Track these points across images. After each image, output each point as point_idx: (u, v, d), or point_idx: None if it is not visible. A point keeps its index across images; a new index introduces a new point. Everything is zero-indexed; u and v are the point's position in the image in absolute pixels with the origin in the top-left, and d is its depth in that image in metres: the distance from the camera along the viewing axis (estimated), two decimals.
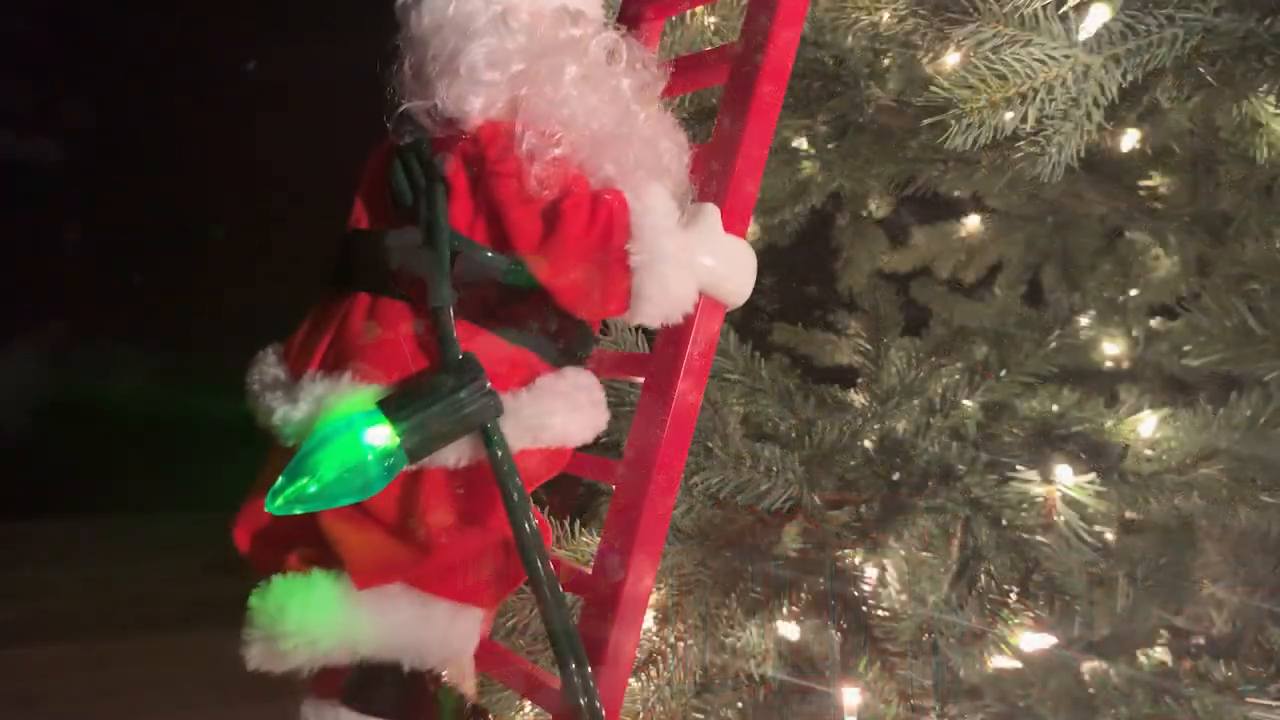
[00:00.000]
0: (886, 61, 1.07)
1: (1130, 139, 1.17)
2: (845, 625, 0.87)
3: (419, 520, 0.55)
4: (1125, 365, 1.41)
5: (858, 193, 1.50)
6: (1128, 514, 1.01)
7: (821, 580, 0.88)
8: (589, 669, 0.55)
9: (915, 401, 1.00)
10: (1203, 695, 0.80)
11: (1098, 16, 0.77)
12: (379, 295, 0.57)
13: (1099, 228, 1.46)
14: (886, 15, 0.85)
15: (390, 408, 0.52)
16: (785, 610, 0.89)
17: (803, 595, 0.89)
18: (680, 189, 0.60)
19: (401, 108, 0.58)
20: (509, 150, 0.56)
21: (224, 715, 2.10)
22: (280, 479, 0.51)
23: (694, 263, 0.58)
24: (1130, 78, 0.74)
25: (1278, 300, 0.81)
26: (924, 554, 0.93)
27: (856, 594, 0.88)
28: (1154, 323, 1.44)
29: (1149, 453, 0.95)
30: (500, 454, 0.54)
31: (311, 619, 0.54)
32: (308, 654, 0.55)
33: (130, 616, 2.55)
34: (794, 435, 0.97)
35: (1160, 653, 1.00)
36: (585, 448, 0.65)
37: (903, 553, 0.93)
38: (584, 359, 0.62)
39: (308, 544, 0.57)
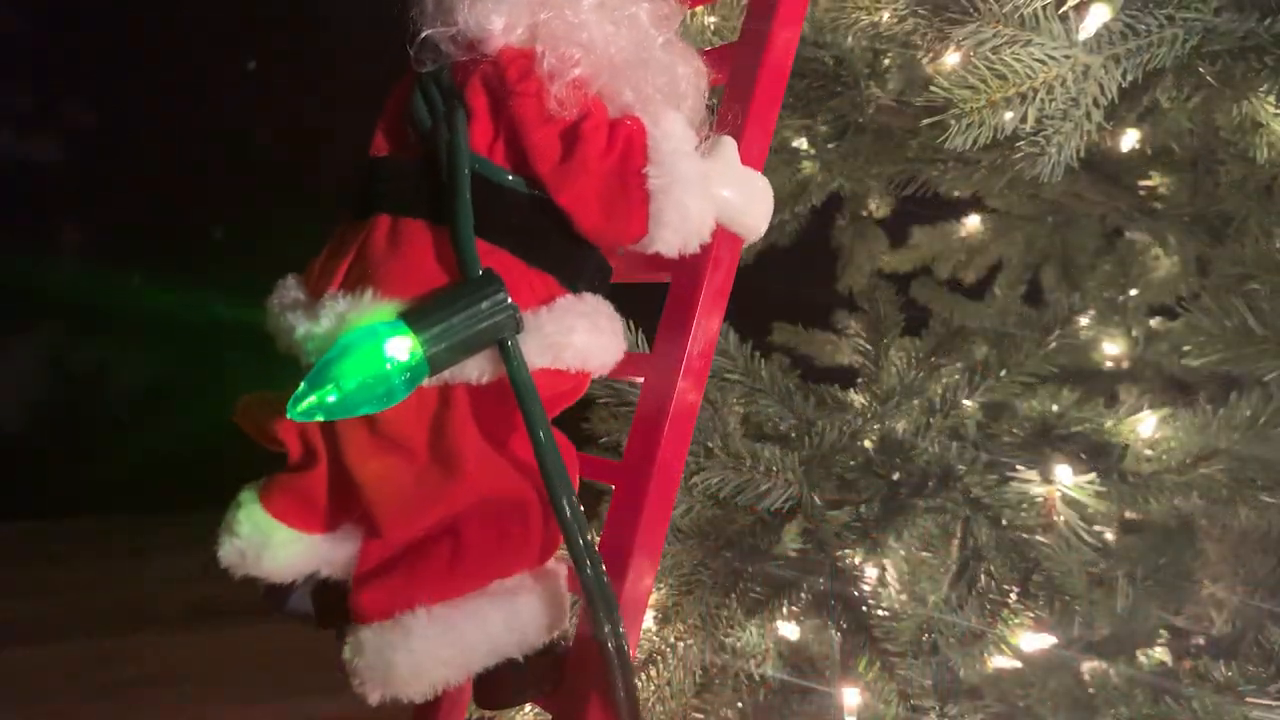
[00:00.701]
0: (886, 61, 1.07)
1: (1130, 139, 1.17)
2: (845, 625, 0.87)
3: (445, 438, 0.55)
4: (1125, 365, 1.41)
5: (858, 193, 1.51)
6: (1128, 514, 1.01)
7: (821, 580, 0.88)
8: (616, 604, 0.56)
9: (915, 401, 1.00)
10: (1203, 695, 0.80)
11: (1098, 16, 0.77)
12: (400, 216, 0.57)
13: (1099, 228, 1.46)
14: (886, 15, 0.85)
15: (412, 318, 0.52)
16: (785, 610, 0.89)
17: (803, 595, 0.88)
18: (697, 117, 0.60)
19: (423, 34, 0.58)
20: (529, 71, 0.55)
21: (224, 715, 2.10)
22: (302, 386, 0.50)
23: (712, 192, 0.58)
24: (1130, 78, 0.74)
25: (1278, 300, 0.81)
26: (924, 554, 0.93)
27: (856, 594, 0.88)
28: (1154, 323, 1.44)
29: (1149, 453, 0.95)
30: (518, 368, 0.54)
31: (424, 665, 0.55)
32: (429, 692, 0.55)
33: (130, 616, 2.56)
34: (794, 435, 0.97)
35: (1160, 653, 1.00)
36: (586, 445, 0.65)
37: (903, 553, 0.93)
38: (601, 292, 0.61)
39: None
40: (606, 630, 0.56)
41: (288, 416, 0.51)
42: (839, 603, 0.87)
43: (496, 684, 0.59)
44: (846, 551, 0.90)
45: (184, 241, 3.26)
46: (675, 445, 0.61)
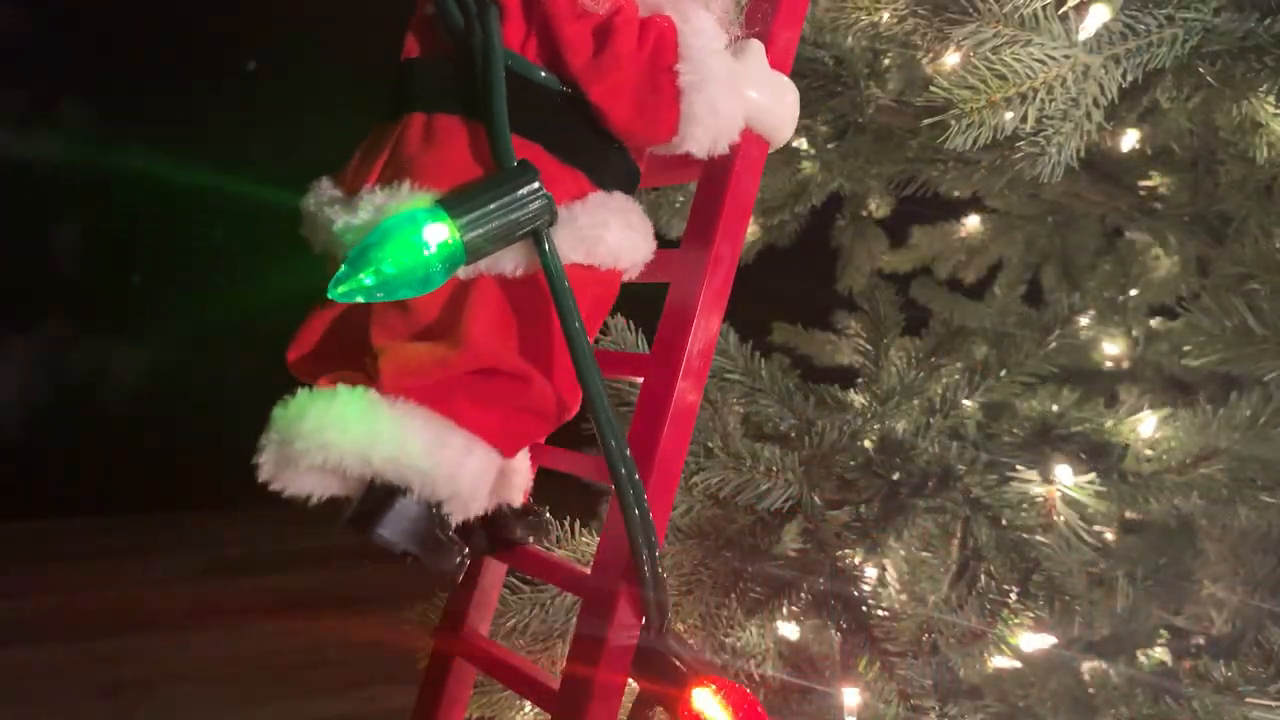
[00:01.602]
0: (886, 61, 1.07)
1: (1130, 139, 1.17)
2: (845, 625, 0.87)
3: (461, 318, 0.55)
4: (1125, 365, 1.41)
5: (858, 193, 1.51)
6: (1128, 514, 1.01)
7: (821, 580, 0.88)
8: (651, 524, 0.57)
9: (915, 401, 1.00)
10: (1203, 695, 0.80)
11: (1098, 16, 0.77)
12: (433, 113, 0.57)
13: (1099, 228, 1.46)
14: (886, 15, 0.85)
15: (449, 204, 0.52)
16: (785, 610, 0.89)
17: (803, 595, 0.88)
18: (725, 17, 0.60)
19: None
20: None
21: (224, 716, 2.10)
22: (343, 268, 0.51)
23: (741, 92, 0.59)
24: (1130, 78, 0.74)
25: (1278, 300, 0.81)
26: (924, 554, 0.93)
27: (856, 594, 0.88)
28: (1154, 323, 1.44)
29: (1149, 453, 0.95)
30: (551, 258, 0.54)
31: (328, 424, 0.53)
32: (319, 459, 0.53)
33: (130, 616, 2.56)
34: (794, 435, 0.97)
35: (1160, 653, 1.00)
36: (586, 445, 0.64)
37: (903, 553, 0.93)
38: (630, 194, 0.61)
39: (351, 363, 0.57)
40: (640, 545, 0.57)
41: (329, 296, 0.51)
42: (839, 603, 0.87)
43: (374, 505, 0.55)
44: (846, 551, 0.90)
45: (184, 241, 3.26)
46: (674, 445, 0.61)
